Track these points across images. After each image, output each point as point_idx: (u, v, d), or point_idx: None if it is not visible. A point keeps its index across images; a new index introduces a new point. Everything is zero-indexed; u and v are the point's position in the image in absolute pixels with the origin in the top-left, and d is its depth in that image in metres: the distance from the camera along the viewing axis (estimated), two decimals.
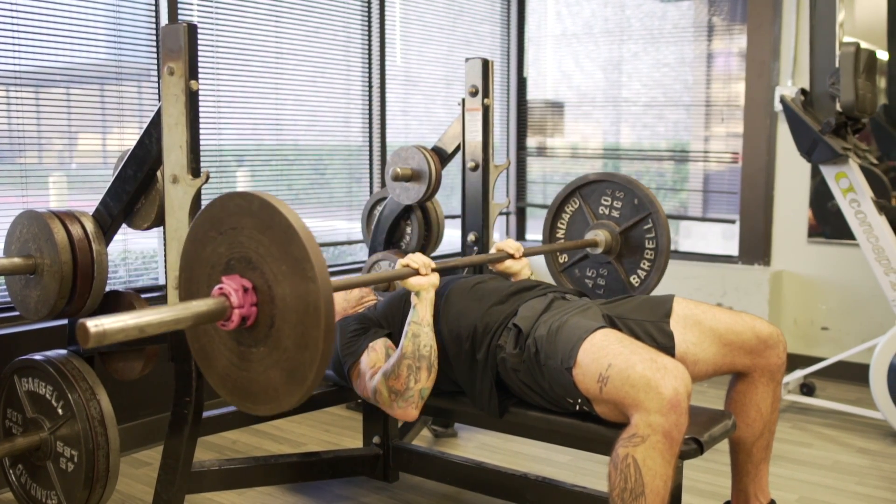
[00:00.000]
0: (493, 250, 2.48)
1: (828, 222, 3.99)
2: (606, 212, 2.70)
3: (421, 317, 2.09)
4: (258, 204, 1.51)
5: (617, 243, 2.66)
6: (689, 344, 2.10)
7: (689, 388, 1.79)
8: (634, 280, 2.65)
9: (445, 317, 2.17)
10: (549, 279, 2.81)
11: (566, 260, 2.79)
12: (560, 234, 2.81)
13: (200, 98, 2.09)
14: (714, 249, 4.48)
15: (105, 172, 3.09)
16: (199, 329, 1.65)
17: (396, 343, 2.23)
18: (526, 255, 2.46)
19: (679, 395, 1.76)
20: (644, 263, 2.64)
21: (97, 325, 1.33)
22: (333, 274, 3.85)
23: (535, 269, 2.78)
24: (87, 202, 2.49)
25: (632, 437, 1.78)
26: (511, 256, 2.42)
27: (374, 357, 2.21)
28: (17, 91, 2.85)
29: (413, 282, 2.09)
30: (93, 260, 2.30)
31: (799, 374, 3.64)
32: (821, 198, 3.98)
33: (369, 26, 4.04)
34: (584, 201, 2.74)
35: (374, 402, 2.16)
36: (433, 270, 2.11)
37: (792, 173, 4.06)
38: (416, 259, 2.10)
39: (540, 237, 5.07)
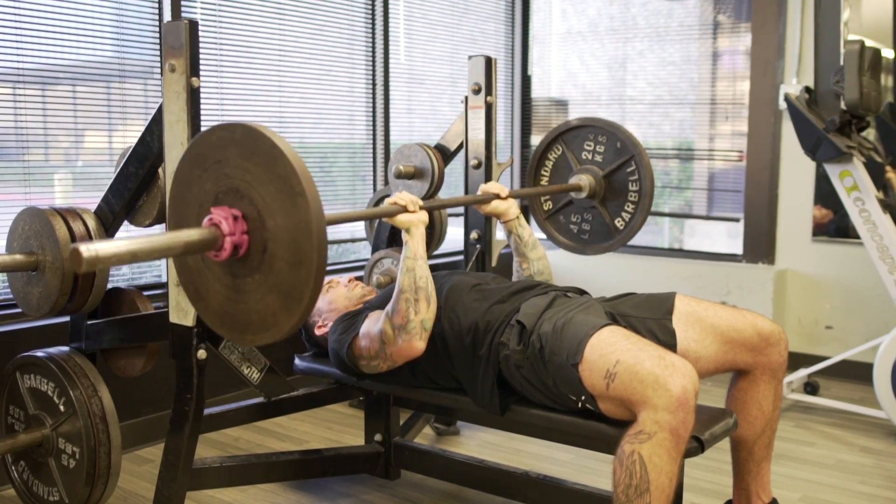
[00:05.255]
0: (479, 192, 2.49)
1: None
2: (590, 157, 2.68)
3: (413, 251, 2.11)
4: (241, 132, 1.51)
5: (601, 187, 2.65)
6: (691, 341, 2.09)
7: (696, 386, 1.79)
8: (619, 223, 2.64)
9: (446, 312, 2.17)
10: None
11: (551, 207, 2.79)
12: (544, 181, 2.81)
13: (203, 95, 2.10)
14: (718, 248, 4.47)
15: (110, 170, 3.09)
16: (193, 270, 1.65)
17: None
18: (512, 196, 2.48)
19: (687, 392, 1.76)
20: (628, 206, 2.63)
21: (90, 248, 1.31)
22: (336, 272, 3.86)
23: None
24: (93, 200, 2.48)
25: (638, 434, 1.78)
26: (498, 196, 2.44)
27: (375, 316, 2.22)
28: (22, 89, 2.85)
29: (402, 218, 2.11)
30: None
31: (803, 372, 3.63)
32: None
33: (373, 24, 4.03)
34: (567, 147, 2.72)
35: (382, 352, 2.14)
36: (421, 209, 2.13)
37: (796, 172, 4.05)
38: (404, 197, 2.13)
39: (542, 235, 5.08)
